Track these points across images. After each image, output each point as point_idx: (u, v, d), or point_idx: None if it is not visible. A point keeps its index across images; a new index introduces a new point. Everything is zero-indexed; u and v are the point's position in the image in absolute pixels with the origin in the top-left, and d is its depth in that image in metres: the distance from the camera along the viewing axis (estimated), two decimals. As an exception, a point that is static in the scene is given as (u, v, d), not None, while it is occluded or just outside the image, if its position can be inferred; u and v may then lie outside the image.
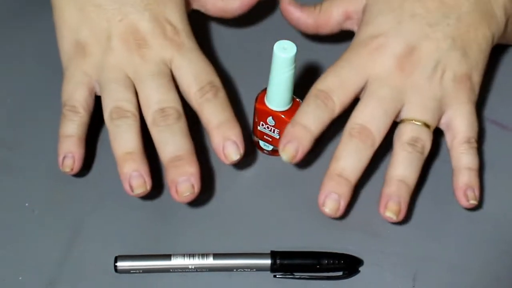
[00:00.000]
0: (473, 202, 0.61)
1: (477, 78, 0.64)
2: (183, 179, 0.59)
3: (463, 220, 0.63)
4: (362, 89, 0.62)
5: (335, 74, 0.62)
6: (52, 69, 0.70)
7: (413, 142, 0.61)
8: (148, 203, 0.63)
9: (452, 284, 0.60)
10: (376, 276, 0.60)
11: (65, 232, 0.61)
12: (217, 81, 0.63)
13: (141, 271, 0.60)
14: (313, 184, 0.64)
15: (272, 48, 0.58)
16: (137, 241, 0.61)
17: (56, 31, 0.65)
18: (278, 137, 0.64)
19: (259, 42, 0.73)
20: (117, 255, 0.60)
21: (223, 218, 0.63)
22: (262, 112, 0.63)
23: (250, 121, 0.67)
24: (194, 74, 0.63)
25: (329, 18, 0.67)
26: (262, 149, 0.66)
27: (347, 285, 0.60)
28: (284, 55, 0.58)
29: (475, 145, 0.63)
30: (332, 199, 0.60)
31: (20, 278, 0.59)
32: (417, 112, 0.61)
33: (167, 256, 0.60)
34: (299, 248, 0.61)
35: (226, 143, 0.61)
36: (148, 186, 0.60)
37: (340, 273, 0.60)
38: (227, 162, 0.61)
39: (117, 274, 0.60)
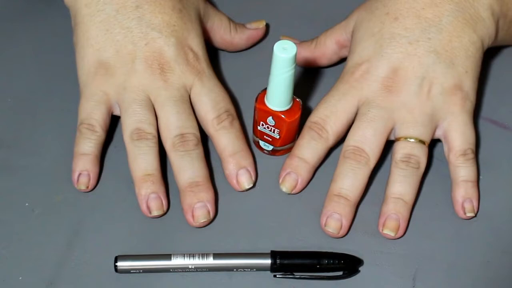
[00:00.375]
0: (470, 214, 0.63)
1: (469, 84, 0.64)
2: (199, 205, 0.61)
3: (463, 220, 0.63)
4: (354, 116, 0.64)
5: (327, 105, 0.64)
6: (52, 69, 0.70)
7: (406, 159, 0.62)
8: (148, 203, 0.63)
9: (452, 284, 0.60)
10: (376, 276, 0.60)
11: (65, 232, 0.61)
12: (233, 110, 0.65)
13: (141, 271, 0.60)
14: (313, 184, 0.64)
15: (272, 48, 0.58)
16: (137, 241, 0.61)
17: (78, 48, 0.65)
18: (278, 137, 0.64)
19: (259, 42, 0.73)
20: (117, 255, 0.60)
21: (223, 218, 0.63)
22: (262, 112, 0.63)
23: (250, 121, 0.67)
24: (213, 102, 0.64)
25: (325, 50, 0.69)
26: (262, 149, 0.66)
27: (347, 285, 0.60)
28: (284, 55, 0.58)
29: (471, 156, 0.63)
30: (333, 218, 0.61)
31: (20, 278, 0.59)
32: (409, 128, 0.63)
33: (167, 256, 0.60)
34: (299, 248, 0.61)
35: (240, 172, 0.63)
36: (165, 207, 0.62)
37: (340, 273, 0.60)
38: (239, 189, 0.64)
39: (117, 274, 0.60)
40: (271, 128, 0.64)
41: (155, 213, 0.61)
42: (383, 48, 0.64)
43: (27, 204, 0.63)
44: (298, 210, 0.63)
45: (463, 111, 0.63)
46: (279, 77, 0.60)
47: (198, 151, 0.63)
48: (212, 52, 0.72)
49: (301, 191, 0.64)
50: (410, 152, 0.62)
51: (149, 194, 0.61)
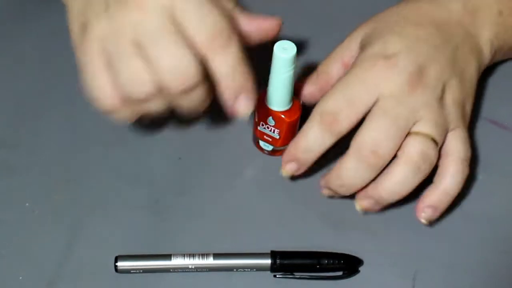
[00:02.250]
0: (424, 222, 0.60)
1: (468, 107, 0.63)
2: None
3: (463, 220, 0.63)
4: (370, 109, 0.59)
5: (342, 93, 0.59)
6: (52, 69, 0.70)
7: (422, 156, 0.58)
8: (148, 203, 0.63)
9: (452, 284, 0.60)
10: (376, 276, 0.60)
11: (65, 232, 0.61)
12: (228, 28, 0.55)
13: (141, 271, 0.60)
14: (313, 184, 0.64)
15: (272, 48, 0.58)
16: (137, 241, 0.61)
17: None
18: (278, 137, 0.64)
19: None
20: (117, 255, 0.60)
21: (223, 218, 0.63)
22: (262, 112, 0.63)
23: (250, 121, 0.67)
24: (203, 19, 0.54)
25: (329, 77, 0.65)
26: (262, 149, 0.66)
27: (347, 285, 0.60)
28: (284, 55, 0.58)
29: (467, 169, 0.60)
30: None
31: (20, 278, 0.59)
32: (427, 127, 0.59)
33: (167, 256, 0.60)
34: (299, 248, 0.61)
35: (239, 98, 0.56)
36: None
37: (340, 273, 0.60)
38: (237, 116, 0.57)
39: (117, 274, 0.60)
40: (271, 128, 0.64)
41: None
42: (410, 45, 0.60)
43: (27, 204, 0.63)
44: (298, 210, 0.63)
45: (466, 127, 0.62)
46: (279, 77, 0.60)
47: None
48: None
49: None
50: (426, 151, 0.58)
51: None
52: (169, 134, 0.67)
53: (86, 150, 0.66)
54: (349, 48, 0.64)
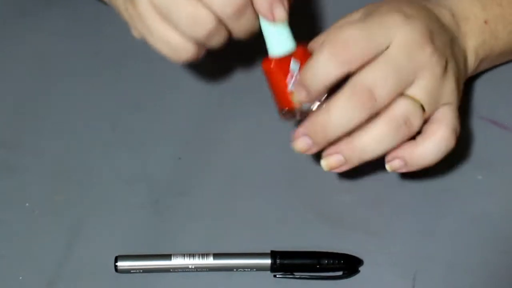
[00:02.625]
0: (389, 170, 0.59)
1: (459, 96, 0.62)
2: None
3: (463, 220, 0.63)
4: (379, 53, 0.57)
5: (360, 29, 0.57)
6: (52, 69, 0.70)
7: (404, 120, 0.57)
8: (148, 203, 0.63)
9: (452, 284, 0.60)
10: (376, 276, 0.60)
11: (65, 232, 0.61)
12: None
13: (141, 271, 0.60)
14: (313, 184, 0.64)
15: None
16: (137, 241, 0.61)
17: None
18: None
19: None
20: (117, 255, 0.60)
21: (223, 218, 0.63)
22: (281, 67, 0.58)
23: (250, 121, 0.67)
24: None
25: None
26: (304, 114, 0.59)
27: (347, 285, 0.60)
28: None
29: (453, 141, 0.59)
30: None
31: (20, 278, 0.59)
32: (421, 93, 0.58)
33: (167, 256, 0.60)
34: (299, 248, 0.61)
35: (273, 5, 0.57)
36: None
37: (340, 273, 0.60)
38: (274, 21, 0.57)
39: (117, 274, 0.60)
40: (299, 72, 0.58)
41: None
42: (421, 13, 0.59)
43: (27, 204, 0.63)
44: (298, 210, 0.63)
45: (457, 107, 0.61)
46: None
47: None
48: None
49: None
50: (411, 115, 0.57)
51: None
52: (169, 134, 0.67)
53: (86, 150, 0.66)
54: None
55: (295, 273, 0.60)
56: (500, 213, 0.64)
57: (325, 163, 0.59)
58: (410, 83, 0.57)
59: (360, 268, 0.61)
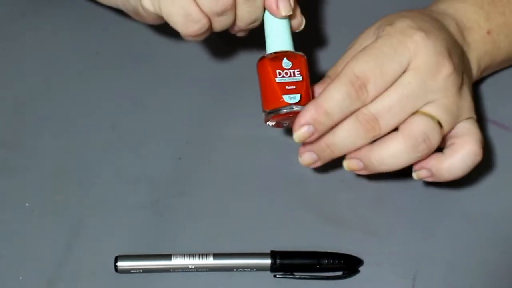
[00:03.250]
0: (415, 178, 0.60)
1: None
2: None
3: (463, 220, 0.63)
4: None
5: (377, 60, 0.57)
6: (52, 69, 0.70)
7: (423, 138, 0.57)
8: (148, 203, 0.63)
9: (452, 284, 0.60)
10: (376, 276, 0.60)
11: (65, 232, 0.61)
12: None
13: (141, 271, 0.60)
14: (314, 184, 0.64)
15: None
16: (137, 241, 0.61)
17: None
18: (301, 78, 0.59)
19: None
20: (117, 255, 0.60)
21: (223, 218, 0.63)
22: (272, 62, 0.59)
23: (250, 121, 0.67)
24: None
25: None
26: (286, 115, 0.59)
27: (347, 285, 0.60)
28: None
29: (480, 155, 0.59)
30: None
31: (20, 278, 0.59)
32: (437, 110, 0.58)
33: (167, 256, 0.60)
34: (299, 248, 0.61)
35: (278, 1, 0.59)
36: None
37: (340, 273, 0.60)
38: (278, 15, 0.59)
39: (117, 274, 0.60)
40: (290, 72, 0.59)
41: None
42: (436, 27, 0.59)
43: (27, 204, 0.63)
44: (298, 210, 0.63)
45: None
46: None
47: None
48: (212, 51, 0.72)
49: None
50: (429, 132, 0.57)
51: None
52: (169, 134, 0.67)
53: (86, 150, 0.66)
54: (361, 46, 0.61)
55: (295, 273, 0.60)
56: (500, 213, 0.64)
57: (346, 163, 0.60)
58: (422, 106, 0.58)
59: (360, 268, 0.61)
